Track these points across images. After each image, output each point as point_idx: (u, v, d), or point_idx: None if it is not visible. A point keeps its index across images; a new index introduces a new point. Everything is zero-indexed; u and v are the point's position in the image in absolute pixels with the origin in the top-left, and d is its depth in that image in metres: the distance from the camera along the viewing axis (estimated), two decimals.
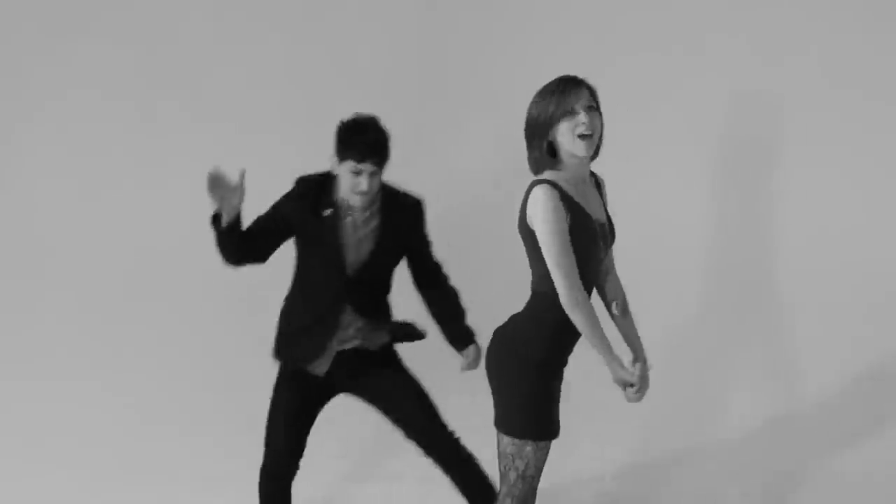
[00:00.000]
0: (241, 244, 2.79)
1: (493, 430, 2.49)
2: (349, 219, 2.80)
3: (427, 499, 3.60)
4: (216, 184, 2.65)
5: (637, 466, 3.86)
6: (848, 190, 4.31)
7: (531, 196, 2.34)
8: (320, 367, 2.89)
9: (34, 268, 5.03)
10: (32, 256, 5.05)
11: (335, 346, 2.87)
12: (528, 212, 2.35)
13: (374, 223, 2.83)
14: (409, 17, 4.95)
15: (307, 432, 2.94)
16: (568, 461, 3.83)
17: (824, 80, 4.30)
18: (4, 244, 5.08)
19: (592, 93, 2.37)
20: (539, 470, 2.49)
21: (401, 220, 2.85)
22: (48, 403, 4.31)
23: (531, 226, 2.35)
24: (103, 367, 4.59)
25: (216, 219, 2.74)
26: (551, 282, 2.34)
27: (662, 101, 4.54)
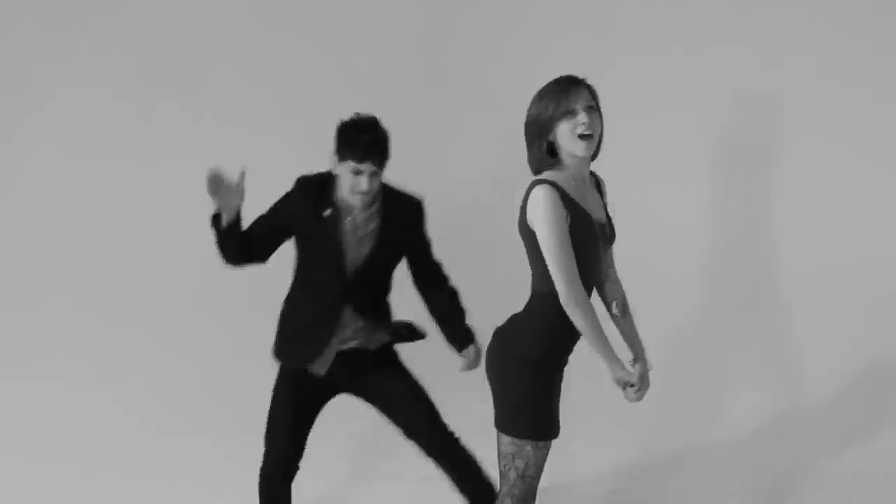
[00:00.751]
0: (242, 245, 2.79)
1: (493, 431, 2.48)
2: (349, 219, 2.80)
3: (427, 499, 3.60)
4: (216, 183, 2.65)
5: (637, 466, 3.87)
6: (848, 189, 4.31)
7: (531, 196, 2.34)
8: (320, 367, 2.89)
9: (34, 268, 5.03)
10: (32, 256, 5.05)
11: (335, 347, 2.87)
12: (528, 211, 2.35)
13: (375, 223, 2.82)
14: (409, 17, 4.95)
15: (307, 433, 2.94)
16: (568, 461, 3.83)
17: (824, 79, 4.30)
18: (4, 244, 5.08)
19: (592, 93, 2.38)
20: (539, 470, 2.49)
21: (401, 220, 2.85)
22: (48, 403, 4.31)
23: (531, 226, 2.36)
24: (103, 367, 4.59)
25: (216, 219, 2.74)
26: (551, 282, 2.34)
27: (662, 101, 4.54)
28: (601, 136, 2.38)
